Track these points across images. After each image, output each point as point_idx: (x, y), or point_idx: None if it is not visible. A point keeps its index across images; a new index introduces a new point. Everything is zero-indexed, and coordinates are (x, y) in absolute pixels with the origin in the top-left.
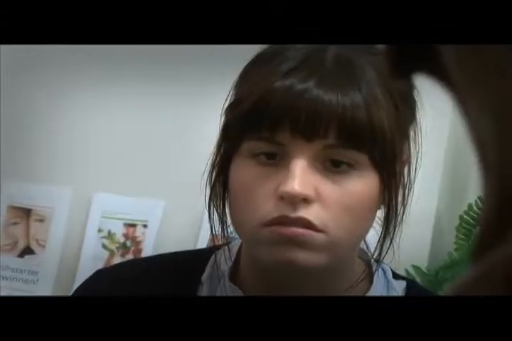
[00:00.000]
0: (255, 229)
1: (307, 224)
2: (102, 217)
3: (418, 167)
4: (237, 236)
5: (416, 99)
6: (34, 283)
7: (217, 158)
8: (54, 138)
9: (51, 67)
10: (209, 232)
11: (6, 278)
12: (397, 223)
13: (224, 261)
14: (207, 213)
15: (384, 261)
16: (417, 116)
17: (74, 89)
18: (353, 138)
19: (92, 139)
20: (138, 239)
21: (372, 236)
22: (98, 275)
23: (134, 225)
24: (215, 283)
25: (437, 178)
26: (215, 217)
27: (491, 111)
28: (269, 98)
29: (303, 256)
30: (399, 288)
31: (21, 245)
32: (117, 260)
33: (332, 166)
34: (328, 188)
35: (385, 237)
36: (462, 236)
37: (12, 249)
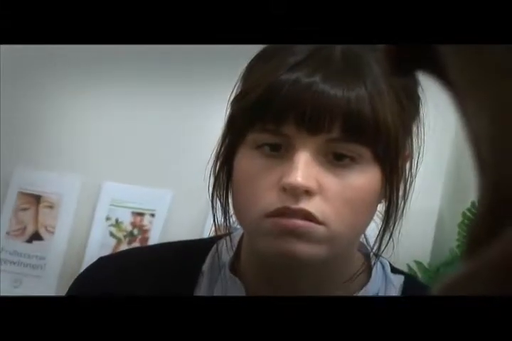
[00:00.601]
0: (257, 220)
1: (308, 216)
2: (110, 205)
3: (420, 162)
4: (239, 226)
5: (420, 95)
6: (41, 268)
7: (222, 149)
8: (66, 127)
9: (60, 59)
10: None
11: (14, 263)
12: (398, 217)
13: (225, 251)
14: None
15: (384, 255)
16: (421, 113)
17: (86, 80)
18: (357, 132)
19: (103, 129)
20: (145, 228)
21: (372, 229)
22: (101, 262)
23: (141, 214)
24: (216, 273)
25: (441, 176)
26: (218, 207)
27: (489, 112)
28: (275, 90)
29: (303, 248)
30: (396, 283)
31: (30, 231)
32: (124, 248)
33: (335, 159)
34: (330, 181)
35: (384, 231)
36: (464, 234)
37: (21, 234)
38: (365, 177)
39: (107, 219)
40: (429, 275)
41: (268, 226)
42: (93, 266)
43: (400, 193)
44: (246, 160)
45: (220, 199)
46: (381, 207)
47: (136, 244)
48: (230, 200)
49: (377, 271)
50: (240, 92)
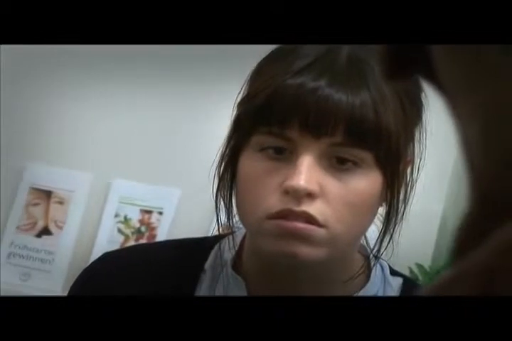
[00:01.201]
0: (259, 221)
1: (309, 219)
2: (119, 202)
3: (421, 167)
4: (241, 226)
5: (423, 101)
6: (50, 262)
7: (227, 150)
8: (79, 126)
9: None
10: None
11: (23, 257)
12: (397, 221)
13: (227, 250)
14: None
15: (385, 257)
16: (424, 118)
17: (98, 78)
18: (360, 137)
19: (115, 128)
20: (152, 225)
21: (373, 231)
22: (106, 257)
23: (149, 212)
24: (218, 271)
25: (445, 179)
26: (222, 207)
27: (479, 119)
28: (280, 94)
29: (304, 250)
30: (395, 285)
31: (40, 226)
32: (131, 244)
33: (337, 163)
34: (332, 185)
35: (384, 234)
36: None
37: (31, 229)
38: (366, 182)
39: (116, 215)
40: (430, 277)
41: (270, 227)
42: (98, 260)
43: (401, 197)
44: (250, 162)
45: (223, 200)
46: (382, 210)
47: (144, 241)
48: (234, 201)
49: (376, 273)
50: (247, 95)
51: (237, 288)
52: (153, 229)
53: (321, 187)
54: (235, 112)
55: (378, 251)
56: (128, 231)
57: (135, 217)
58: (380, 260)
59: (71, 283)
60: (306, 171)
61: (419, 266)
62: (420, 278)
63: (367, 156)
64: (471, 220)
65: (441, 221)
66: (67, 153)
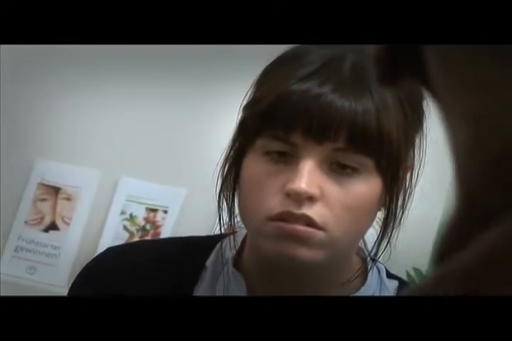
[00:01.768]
0: (260, 223)
1: (309, 221)
2: (126, 200)
3: (420, 173)
4: (243, 226)
5: (425, 108)
6: (56, 257)
7: (232, 152)
8: (89, 123)
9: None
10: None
11: (30, 251)
12: (395, 225)
13: (229, 249)
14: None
15: (384, 262)
16: (424, 125)
17: (108, 79)
18: (362, 143)
19: (125, 127)
20: (157, 224)
21: (371, 234)
22: (109, 252)
23: (155, 210)
24: (219, 269)
25: (445, 185)
26: (224, 207)
27: (468, 121)
28: (285, 100)
29: (302, 252)
30: (391, 287)
31: (47, 221)
32: None
33: (339, 168)
34: (333, 189)
35: (382, 238)
36: None
37: (38, 224)
38: (366, 187)
39: (122, 213)
40: None
41: (270, 229)
42: (102, 255)
43: (399, 203)
44: (253, 165)
45: (226, 200)
46: (381, 214)
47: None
48: (236, 201)
49: (373, 275)
50: (253, 99)
51: (237, 286)
52: (157, 227)
53: (321, 190)
54: (240, 115)
55: (376, 254)
56: (133, 229)
57: (141, 214)
58: (377, 263)
59: None
60: (308, 175)
61: (417, 270)
62: (417, 281)
63: (367, 162)
64: (455, 222)
65: (440, 226)
66: (77, 150)
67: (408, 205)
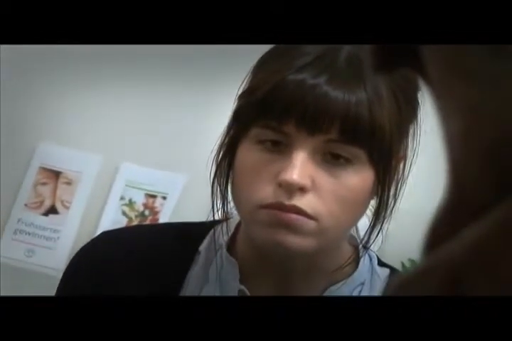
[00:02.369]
0: (252, 210)
1: (300, 212)
2: (125, 185)
3: (414, 163)
4: (236, 212)
5: (419, 99)
6: (55, 240)
7: (226, 139)
8: (91, 107)
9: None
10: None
11: (29, 234)
12: (387, 215)
13: (222, 235)
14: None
15: (374, 249)
16: (419, 116)
17: (110, 68)
18: (354, 135)
19: (126, 114)
20: (156, 210)
21: (364, 222)
22: (104, 236)
23: (154, 196)
24: (212, 254)
25: (439, 176)
26: (218, 194)
27: (459, 112)
28: (281, 90)
29: (293, 240)
30: (382, 275)
31: (47, 204)
32: None
33: (331, 159)
34: (325, 180)
35: (373, 227)
36: None
37: (38, 207)
38: (358, 177)
39: (121, 198)
40: None
41: (262, 216)
42: (96, 239)
43: (391, 193)
44: (247, 153)
45: (220, 187)
46: (374, 202)
47: None
48: (230, 188)
49: (364, 263)
50: (248, 88)
51: (230, 269)
52: (156, 213)
53: (313, 181)
54: (235, 104)
55: (367, 242)
56: (132, 214)
57: (140, 200)
58: (369, 250)
59: None
60: (300, 166)
61: (412, 261)
62: None
63: (360, 153)
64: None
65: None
66: (78, 135)
67: (400, 195)
